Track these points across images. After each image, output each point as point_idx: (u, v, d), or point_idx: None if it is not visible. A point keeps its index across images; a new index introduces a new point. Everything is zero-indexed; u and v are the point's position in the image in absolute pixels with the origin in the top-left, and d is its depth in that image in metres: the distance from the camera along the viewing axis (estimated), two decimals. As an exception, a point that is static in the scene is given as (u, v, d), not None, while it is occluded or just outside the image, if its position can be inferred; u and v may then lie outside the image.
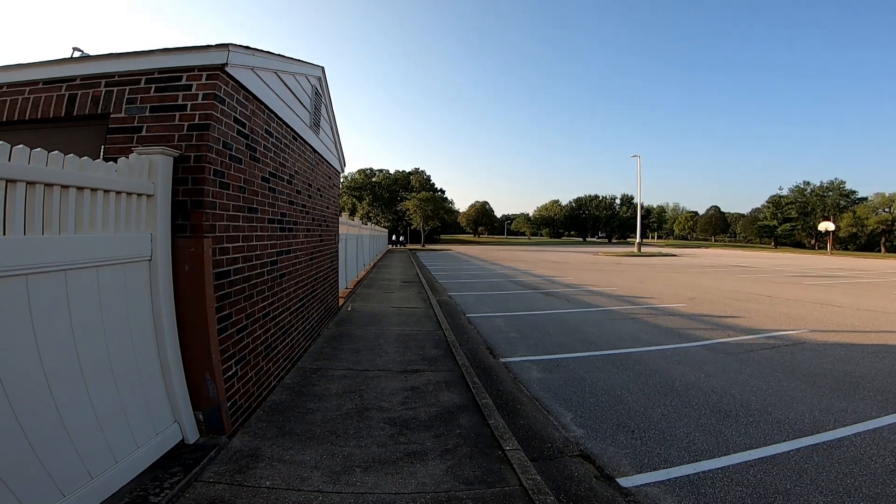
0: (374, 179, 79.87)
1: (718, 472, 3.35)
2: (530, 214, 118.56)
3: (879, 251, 64.86)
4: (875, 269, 26.83)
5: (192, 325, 3.41)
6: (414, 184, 78.04)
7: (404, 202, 70.42)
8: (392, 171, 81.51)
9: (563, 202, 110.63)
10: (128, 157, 3.07)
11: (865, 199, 72.01)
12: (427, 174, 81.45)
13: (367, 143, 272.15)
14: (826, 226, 58.70)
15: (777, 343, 7.24)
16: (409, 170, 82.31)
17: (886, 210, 67.22)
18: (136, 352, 3.06)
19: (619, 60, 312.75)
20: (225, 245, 3.71)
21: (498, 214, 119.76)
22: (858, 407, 4.58)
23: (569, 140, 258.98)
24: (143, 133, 3.44)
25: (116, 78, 3.57)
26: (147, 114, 3.48)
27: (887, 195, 68.02)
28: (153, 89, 3.52)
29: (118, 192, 2.91)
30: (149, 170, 3.19)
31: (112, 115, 3.51)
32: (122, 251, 2.94)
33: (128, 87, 3.54)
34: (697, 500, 3.01)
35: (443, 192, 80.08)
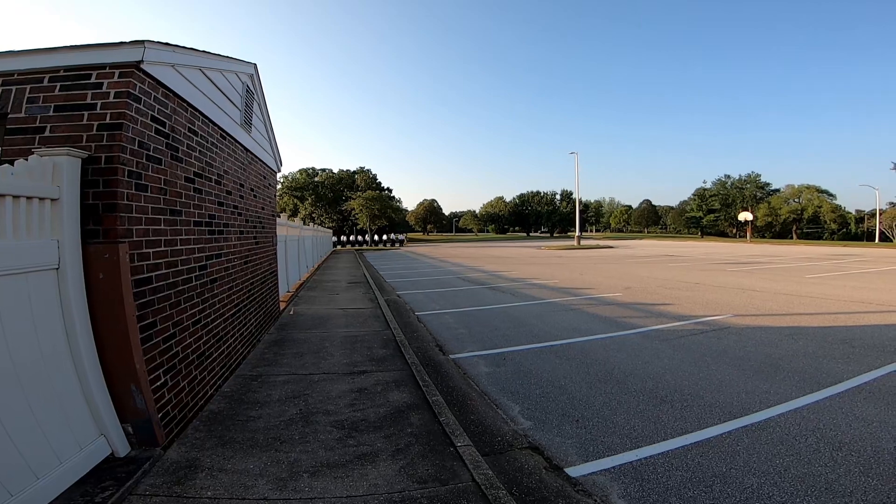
0: (316, 179, 76.42)
1: (659, 458, 3.48)
2: (477, 211, 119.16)
3: (792, 238, 70.68)
4: (788, 255, 29.20)
5: (111, 335, 3.18)
6: (360, 183, 75.37)
7: (349, 202, 68.79)
8: (336, 171, 78.38)
9: (508, 199, 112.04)
10: (27, 159, 2.81)
11: (778, 190, 78.21)
12: (373, 173, 78.68)
13: (311, 143, 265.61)
14: (745, 216, 63.24)
15: (705, 328, 7.70)
16: (355, 169, 79.36)
17: (796, 200, 73.33)
18: (48, 365, 2.83)
19: (567, 61, 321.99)
20: (145, 250, 3.48)
21: (446, 212, 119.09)
22: (780, 388, 4.86)
23: (512, 138, 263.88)
24: (47, 134, 3.17)
25: (16, 76, 3.28)
26: (51, 114, 3.21)
27: (796, 186, 74.25)
28: (58, 88, 3.26)
29: (16, 197, 2.66)
30: (52, 172, 2.93)
31: (10, 115, 3.21)
32: (22, 260, 2.69)
33: (28, 86, 3.26)
34: (642, 487, 3.11)
35: (390, 190, 78.43)
